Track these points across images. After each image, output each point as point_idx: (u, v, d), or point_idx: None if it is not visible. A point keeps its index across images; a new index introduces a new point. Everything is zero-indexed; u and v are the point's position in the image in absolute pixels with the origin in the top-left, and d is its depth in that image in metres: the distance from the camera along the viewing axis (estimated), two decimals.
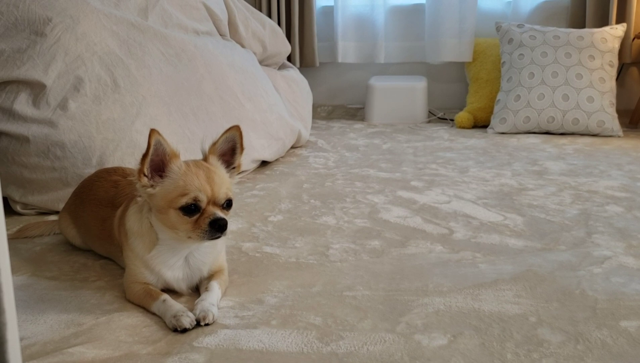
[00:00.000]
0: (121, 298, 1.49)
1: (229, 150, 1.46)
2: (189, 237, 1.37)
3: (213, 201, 1.37)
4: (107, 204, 1.65)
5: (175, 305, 1.36)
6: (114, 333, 1.32)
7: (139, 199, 1.45)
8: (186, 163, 1.39)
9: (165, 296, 1.40)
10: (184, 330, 1.31)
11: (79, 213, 1.77)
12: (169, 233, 1.41)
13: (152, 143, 1.35)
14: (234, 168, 1.47)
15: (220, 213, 1.36)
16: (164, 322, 1.35)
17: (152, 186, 1.38)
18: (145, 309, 1.41)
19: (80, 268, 1.69)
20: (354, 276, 1.60)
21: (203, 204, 1.36)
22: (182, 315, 1.32)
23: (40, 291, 1.54)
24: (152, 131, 1.36)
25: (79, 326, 1.35)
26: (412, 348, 1.24)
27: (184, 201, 1.35)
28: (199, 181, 1.36)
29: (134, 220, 1.47)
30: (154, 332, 1.32)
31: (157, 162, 1.38)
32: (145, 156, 1.36)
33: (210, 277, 1.48)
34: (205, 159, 1.43)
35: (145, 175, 1.38)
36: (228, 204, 1.41)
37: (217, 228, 1.35)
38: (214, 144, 1.44)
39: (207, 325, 1.33)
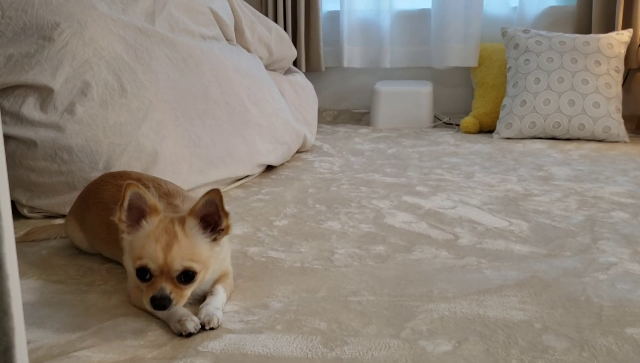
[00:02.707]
0: (127, 302, 1.50)
1: (215, 211, 1.37)
2: (144, 301, 1.34)
3: (166, 272, 1.30)
4: (113, 209, 1.65)
5: (180, 310, 1.36)
6: (120, 337, 1.32)
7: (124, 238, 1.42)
8: (159, 221, 1.34)
9: None
10: (189, 335, 1.31)
11: (85, 216, 1.78)
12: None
13: (127, 195, 1.34)
14: (221, 229, 1.38)
15: (167, 288, 1.29)
16: (169, 327, 1.36)
17: (129, 232, 1.36)
18: (151, 314, 1.42)
19: (86, 272, 1.70)
20: (359, 282, 1.60)
21: (155, 273, 1.30)
22: (186, 320, 1.32)
23: (47, 295, 1.55)
24: (128, 185, 1.34)
25: (85, 330, 1.36)
26: (417, 354, 1.24)
27: (138, 263, 1.32)
28: (154, 248, 1.30)
29: (127, 244, 1.45)
30: (159, 336, 1.33)
31: (140, 210, 1.36)
32: (121, 206, 1.35)
33: (215, 281, 1.48)
34: (183, 219, 1.35)
35: (123, 221, 1.36)
36: (187, 278, 1.32)
37: (155, 306, 1.30)
38: (194, 206, 1.36)
39: (211, 329, 1.34)
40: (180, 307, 1.37)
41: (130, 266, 1.36)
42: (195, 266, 1.32)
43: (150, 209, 1.35)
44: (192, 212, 1.36)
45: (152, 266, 1.30)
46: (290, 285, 1.58)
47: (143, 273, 1.32)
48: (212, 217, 1.38)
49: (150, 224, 1.34)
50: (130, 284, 1.49)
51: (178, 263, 1.30)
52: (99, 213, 1.70)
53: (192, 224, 1.36)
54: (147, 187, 1.46)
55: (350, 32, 4.16)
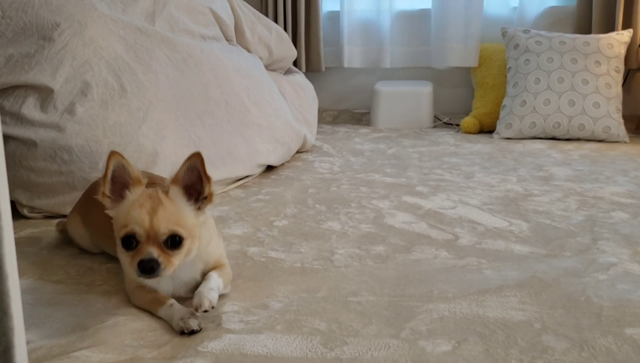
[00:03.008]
0: (127, 302, 1.50)
1: (197, 179, 1.36)
2: (130, 271, 1.32)
3: (153, 237, 1.28)
4: None
5: (182, 309, 1.36)
6: (120, 337, 1.32)
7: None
8: (143, 191, 1.33)
9: (172, 300, 1.40)
10: (192, 333, 1.31)
11: (89, 213, 1.78)
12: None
13: (111, 164, 1.32)
14: (205, 198, 1.37)
15: (154, 253, 1.27)
16: (171, 326, 1.36)
17: (111, 208, 1.35)
18: (152, 313, 1.42)
19: (86, 272, 1.70)
20: (359, 282, 1.60)
21: (141, 239, 1.28)
22: (189, 318, 1.32)
23: (46, 295, 1.55)
24: (112, 153, 1.32)
25: (85, 330, 1.36)
26: (417, 354, 1.24)
27: (122, 232, 1.29)
28: (140, 213, 1.28)
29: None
30: (159, 336, 1.33)
31: (123, 183, 1.34)
32: (104, 176, 1.34)
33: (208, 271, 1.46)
34: (167, 189, 1.35)
35: (107, 196, 1.35)
36: (173, 243, 1.30)
37: (143, 270, 1.27)
38: (176, 174, 1.35)
39: (205, 312, 1.31)
40: (182, 307, 1.37)
41: (118, 243, 1.33)
42: (182, 231, 1.30)
43: (134, 181, 1.34)
44: (174, 180, 1.35)
45: (138, 230, 1.28)
46: (290, 285, 1.58)
47: (129, 242, 1.29)
48: (194, 188, 1.36)
49: (134, 194, 1.33)
50: (128, 284, 1.49)
51: (164, 226, 1.28)
52: (102, 210, 1.70)
53: (176, 191, 1.35)
54: (160, 184, 1.46)
55: (351, 33, 4.16)
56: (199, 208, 1.37)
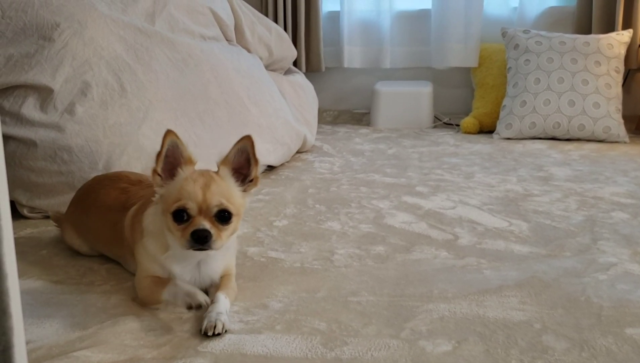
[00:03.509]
0: (127, 302, 1.50)
1: (245, 162, 1.41)
2: (180, 244, 1.35)
3: (205, 211, 1.33)
4: (118, 209, 1.64)
5: (186, 285, 1.37)
6: (119, 337, 1.32)
7: (154, 199, 1.44)
8: (194, 170, 1.38)
9: (176, 280, 1.40)
10: (199, 307, 1.32)
11: (82, 221, 1.77)
12: (171, 238, 1.40)
13: (166, 143, 1.35)
14: (251, 181, 1.42)
15: (207, 225, 1.32)
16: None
17: (162, 186, 1.38)
18: (156, 302, 1.42)
19: (86, 272, 1.70)
20: (359, 282, 1.60)
21: (193, 213, 1.33)
22: (196, 293, 1.33)
23: (46, 295, 1.55)
24: (168, 132, 1.35)
25: (85, 330, 1.36)
26: (417, 354, 1.24)
27: (174, 206, 1.33)
28: (193, 188, 1.33)
29: (151, 221, 1.46)
30: (159, 336, 1.33)
31: (173, 163, 1.37)
32: (159, 154, 1.36)
33: (217, 287, 1.46)
34: (217, 169, 1.40)
35: (158, 174, 1.37)
36: (223, 217, 1.35)
37: (197, 239, 1.31)
38: (227, 155, 1.40)
39: (218, 335, 1.30)
40: (186, 284, 1.38)
41: (167, 219, 1.35)
42: (231, 208, 1.35)
43: (185, 160, 1.37)
44: (225, 161, 1.40)
45: (191, 205, 1.32)
46: (290, 285, 1.58)
47: (180, 215, 1.33)
48: (241, 171, 1.41)
49: (185, 172, 1.37)
50: (138, 276, 1.48)
51: (217, 199, 1.33)
52: (101, 215, 1.70)
53: (226, 171, 1.40)
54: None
55: (351, 33, 4.16)
56: (244, 191, 1.42)
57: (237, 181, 1.41)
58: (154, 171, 1.38)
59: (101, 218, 1.70)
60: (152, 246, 1.45)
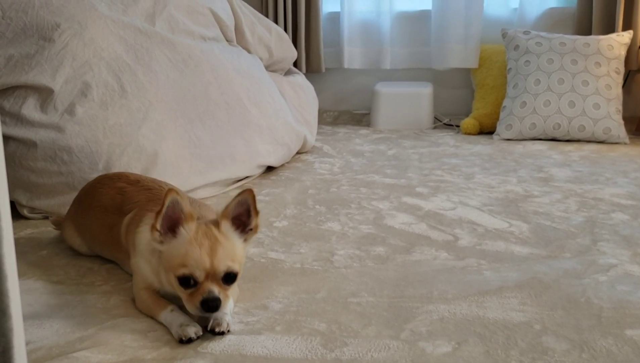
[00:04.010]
0: (127, 302, 1.50)
1: (244, 212, 1.40)
2: (188, 308, 1.33)
3: (212, 275, 1.31)
4: (114, 212, 1.65)
5: (182, 316, 1.36)
6: (119, 338, 1.32)
7: (155, 245, 1.39)
8: (197, 227, 1.35)
9: (173, 306, 1.39)
10: (189, 341, 1.30)
11: (82, 221, 1.77)
12: (167, 285, 1.39)
13: (167, 201, 1.33)
14: (251, 229, 1.41)
15: (215, 291, 1.30)
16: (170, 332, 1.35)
17: (161, 242, 1.35)
18: (153, 318, 1.41)
19: (86, 273, 1.70)
20: (359, 283, 1.60)
21: (200, 279, 1.31)
22: (187, 325, 1.32)
23: (46, 296, 1.55)
24: (169, 191, 1.34)
25: (85, 330, 1.36)
26: (417, 355, 1.24)
27: (181, 272, 1.31)
28: (200, 253, 1.31)
29: (144, 244, 1.44)
30: (159, 337, 1.33)
31: (174, 219, 1.35)
32: (159, 212, 1.34)
33: None
34: (217, 223, 1.37)
35: (157, 230, 1.35)
36: (229, 278, 1.34)
37: (207, 309, 1.30)
38: (227, 207, 1.38)
39: (221, 333, 1.32)
40: (182, 314, 1.37)
41: (170, 277, 1.34)
42: (236, 267, 1.35)
43: (186, 216, 1.34)
44: (225, 214, 1.38)
45: (198, 272, 1.30)
46: (290, 286, 1.58)
47: (187, 281, 1.31)
48: (240, 219, 1.40)
49: (188, 231, 1.34)
50: (136, 286, 1.48)
51: (224, 265, 1.32)
52: (99, 216, 1.70)
53: (227, 226, 1.37)
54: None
55: (351, 33, 4.16)
56: (245, 240, 1.40)
57: (236, 229, 1.39)
58: (153, 228, 1.35)
59: (98, 220, 1.70)
60: (145, 269, 1.45)
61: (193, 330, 1.31)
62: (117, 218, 1.62)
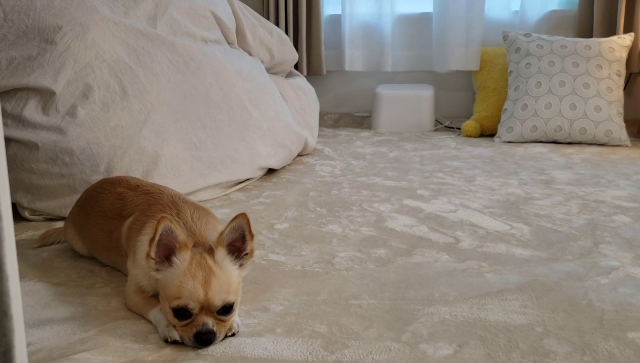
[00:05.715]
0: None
1: (239, 237, 1.36)
2: (182, 339, 1.31)
3: (207, 308, 1.28)
4: (113, 216, 1.64)
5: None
6: (120, 339, 1.32)
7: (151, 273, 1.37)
8: (191, 257, 1.31)
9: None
10: (174, 342, 1.30)
11: (83, 224, 1.77)
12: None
13: (159, 229, 1.30)
14: (246, 254, 1.37)
15: (210, 324, 1.27)
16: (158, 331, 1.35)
17: (157, 270, 1.33)
18: (143, 317, 1.41)
19: (87, 275, 1.70)
20: (360, 285, 1.60)
21: (194, 311, 1.28)
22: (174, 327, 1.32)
23: (47, 297, 1.55)
24: (162, 218, 1.31)
25: (85, 332, 1.36)
26: (418, 357, 1.24)
27: (175, 303, 1.28)
28: (194, 285, 1.27)
29: (143, 255, 1.41)
30: (159, 339, 1.32)
31: (169, 247, 1.32)
32: (152, 240, 1.31)
33: None
34: (212, 251, 1.34)
35: (152, 258, 1.32)
36: (226, 311, 1.30)
37: (200, 342, 1.27)
38: (221, 234, 1.34)
39: (233, 335, 1.32)
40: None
41: (165, 306, 1.33)
42: (232, 298, 1.31)
43: (180, 245, 1.31)
44: (219, 242, 1.34)
45: (193, 305, 1.27)
46: (290, 288, 1.58)
47: (182, 313, 1.29)
48: (235, 244, 1.36)
49: (182, 262, 1.30)
50: (129, 288, 1.48)
51: (218, 299, 1.28)
52: (98, 221, 1.70)
53: (222, 254, 1.34)
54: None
55: (352, 36, 4.16)
56: (240, 265, 1.37)
57: (231, 255, 1.35)
58: (148, 256, 1.32)
59: (98, 224, 1.70)
60: (140, 277, 1.44)
61: (177, 333, 1.30)
62: (117, 222, 1.61)
